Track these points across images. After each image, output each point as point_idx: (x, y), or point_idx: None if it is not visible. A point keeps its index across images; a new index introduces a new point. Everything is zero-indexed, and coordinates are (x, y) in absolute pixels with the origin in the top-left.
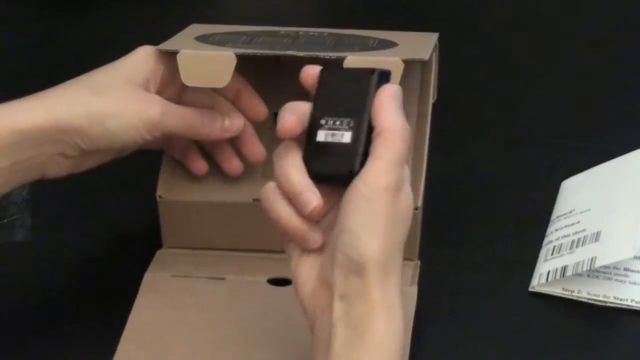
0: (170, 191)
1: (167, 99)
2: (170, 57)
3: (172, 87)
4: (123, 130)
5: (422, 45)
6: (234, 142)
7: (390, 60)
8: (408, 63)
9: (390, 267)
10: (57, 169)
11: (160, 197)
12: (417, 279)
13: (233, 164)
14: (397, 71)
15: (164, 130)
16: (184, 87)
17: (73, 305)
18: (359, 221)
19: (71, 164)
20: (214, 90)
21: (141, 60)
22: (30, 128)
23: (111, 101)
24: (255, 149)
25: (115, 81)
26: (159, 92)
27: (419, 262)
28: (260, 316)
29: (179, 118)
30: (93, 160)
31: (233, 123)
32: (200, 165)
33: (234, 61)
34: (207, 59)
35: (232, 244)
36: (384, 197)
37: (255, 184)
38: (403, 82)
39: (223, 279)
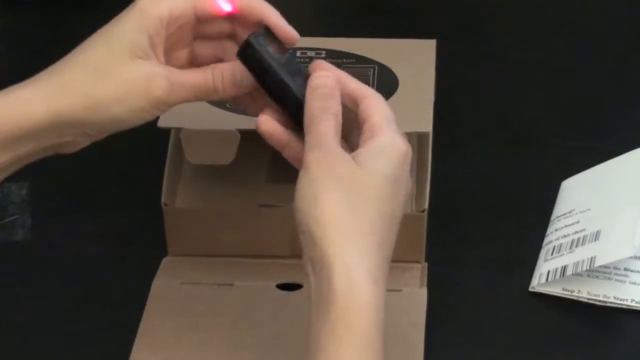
0: (175, 199)
1: (180, 54)
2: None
3: (182, 41)
4: (130, 113)
5: (421, 81)
6: None
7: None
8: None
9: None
10: (68, 149)
11: (165, 204)
12: (425, 281)
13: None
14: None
15: (173, 105)
16: (195, 38)
17: (75, 309)
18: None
19: (82, 144)
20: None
21: (143, 23)
22: (31, 125)
23: (114, 86)
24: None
25: (117, 59)
26: (170, 51)
27: (426, 264)
28: (272, 321)
29: (185, 88)
30: (105, 134)
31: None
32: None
33: (237, 139)
34: (211, 136)
35: (238, 251)
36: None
37: (260, 190)
38: None
39: (231, 285)
